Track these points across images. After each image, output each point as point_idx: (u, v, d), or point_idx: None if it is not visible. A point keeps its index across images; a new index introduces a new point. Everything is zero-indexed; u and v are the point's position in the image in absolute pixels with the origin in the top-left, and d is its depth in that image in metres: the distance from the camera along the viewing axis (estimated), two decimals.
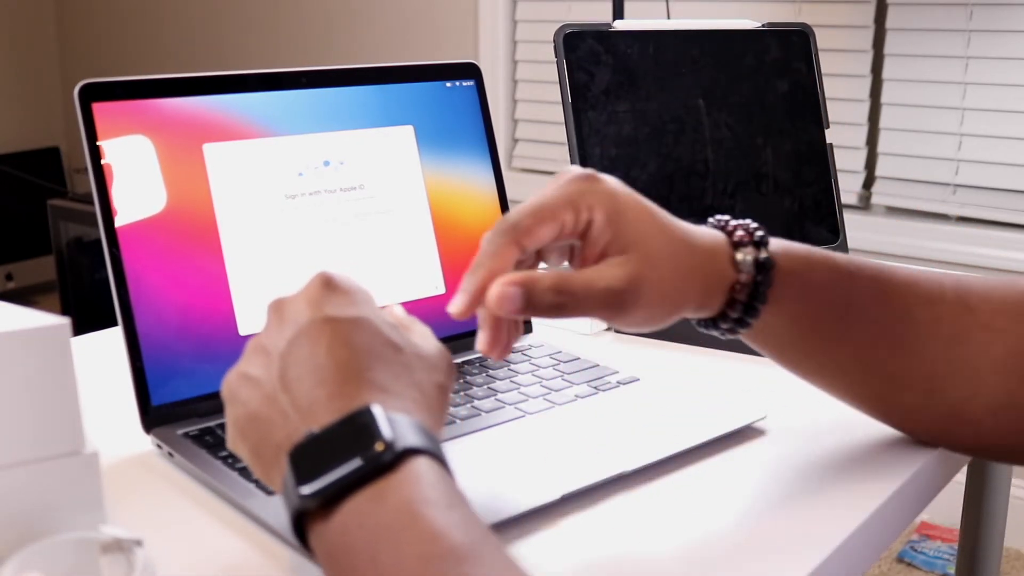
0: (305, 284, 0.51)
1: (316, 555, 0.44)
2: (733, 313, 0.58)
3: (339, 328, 0.48)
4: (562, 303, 0.52)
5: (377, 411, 0.44)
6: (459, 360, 0.75)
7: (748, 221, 0.59)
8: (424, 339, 0.52)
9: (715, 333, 0.60)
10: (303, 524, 0.44)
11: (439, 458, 0.45)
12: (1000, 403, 0.58)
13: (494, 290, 0.52)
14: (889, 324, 0.60)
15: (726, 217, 0.60)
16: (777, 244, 0.59)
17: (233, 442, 0.50)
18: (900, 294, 0.60)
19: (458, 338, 0.77)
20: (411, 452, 0.43)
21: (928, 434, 0.62)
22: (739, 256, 0.57)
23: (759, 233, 0.58)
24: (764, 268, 0.57)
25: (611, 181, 0.56)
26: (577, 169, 0.56)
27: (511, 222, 0.54)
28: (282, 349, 0.48)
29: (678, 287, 0.56)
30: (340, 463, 0.43)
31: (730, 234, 0.59)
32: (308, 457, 0.44)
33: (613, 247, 0.54)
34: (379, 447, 0.43)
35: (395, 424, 0.44)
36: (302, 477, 0.44)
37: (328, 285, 0.50)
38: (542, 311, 0.52)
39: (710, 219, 0.60)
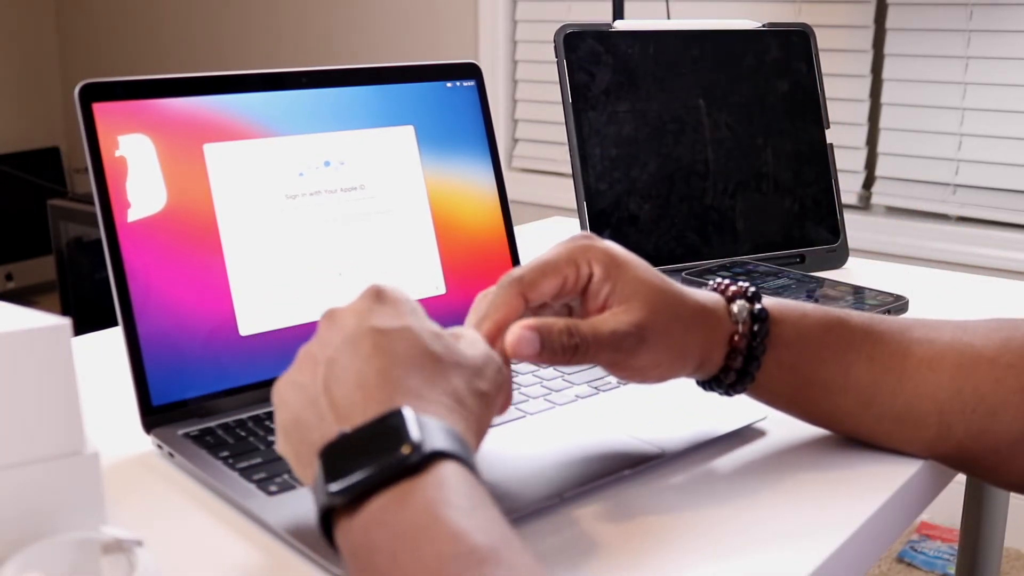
0: (358, 295, 0.53)
1: (341, 552, 0.45)
2: (735, 364, 0.59)
3: (381, 338, 0.49)
4: (575, 345, 0.55)
5: (408, 413, 0.45)
6: None
7: (741, 282, 0.62)
8: (472, 347, 0.53)
9: (719, 392, 0.62)
10: (331, 521, 0.45)
11: (467, 462, 0.45)
12: (1004, 441, 0.58)
13: (512, 334, 0.54)
14: (888, 362, 0.60)
15: (723, 281, 0.63)
16: (770, 299, 0.62)
17: (279, 445, 0.51)
18: (895, 335, 0.61)
19: None
20: (438, 455, 0.44)
21: (950, 465, 0.62)
22: (734, 308, 0.60)
23: (751, 290, 0.61)
24: (759, 318, 0.59)
25: (609, 241, 0.59)
26: (577, 233, 0.60)
27: (516, 276, 0.56)
28: (328, 355, 0.50)
29: (681, 339, 0.58)
30: (368, 462, 0.44)
31: (723, 292, 0.61)
32: (338, 456, 0.45)
33: (614, 299, 0.57)
34: (406, 449, 0.43)
35: (424, 427, 0.45)
36: (331, 475, 0.44)
37: (377, 297, 0.52)
38: (556, 354, 0.55)
39: (707, 285, 0.63)
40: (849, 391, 0.60)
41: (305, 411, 0.49)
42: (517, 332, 0.54)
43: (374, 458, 0.44)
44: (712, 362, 0.60)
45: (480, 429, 0.51)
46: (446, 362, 0.50)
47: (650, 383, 0.60)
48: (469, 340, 0.54)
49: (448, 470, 0.44)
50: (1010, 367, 0.58)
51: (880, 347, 0.60)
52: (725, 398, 0.63)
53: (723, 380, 0.60)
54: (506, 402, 0.55)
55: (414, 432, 0.44)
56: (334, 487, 0.44)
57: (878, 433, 0.62)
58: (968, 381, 0.59)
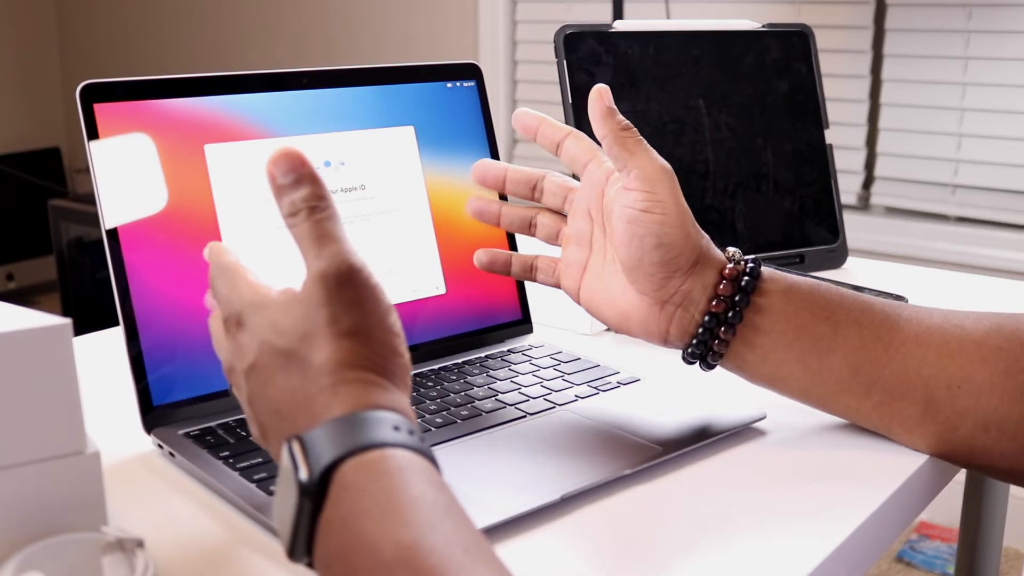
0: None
1: None
2: (726, 291, 0.61)
3: (246, 382, 0.50)
4: (630, 128, 0.62)
5: (295, 448, 0.44)
6: (460, 360, 0.75)
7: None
8: (301, 298, 0.48)
9: (701, 350, 0.62)
10: None
11: (367, 446, 0.43)
12: (992, 421, 0.58)
13: (595, 88, 0.63)
14: (877, 331, 0.61)
15: None
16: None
17: None
18: (885, 308, 0.62)
19: (459, 338, 0.77)
20: (336, 466, 0.43)
21: (927, 447, 0.62)
22: (729, 251, 0.63)
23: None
24: (752, 262, 0.62)
25: None
26: None
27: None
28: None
29: (694, 232, 0.62)
30: (286, 514, 0.44)
31: None
32: (277, 518, 0.46)
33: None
34: (303, 480, 0.43)
35: (311, 446, 0.44)
36: (283, 541, 0.45)
37: (237, 327, 0.51)
38: (614, 126, 0.62)
39: None
40: (837, 351, 0.61)
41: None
42: (601, 87, 0.63)
43: (287, 507, 0.44)
44: (701, 290, 0.61)
45: (378, 353, 0.47)
46: (298, 349, 0.47)
47: (658, 267, 0.61)
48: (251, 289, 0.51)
49: (346, 476, 0.43)
50: (998, 349, 0.59)
51: (869, 315, 0.61)
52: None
53: (712, 309, 0.61)
54: (372, 291, 0.48)
55: (300, 470, 0.43)
56: (286, 549, 0.45)
57: (867, 408, 0.62)
58: (954, 359, 0.59)
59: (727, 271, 0.62)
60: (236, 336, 0.50)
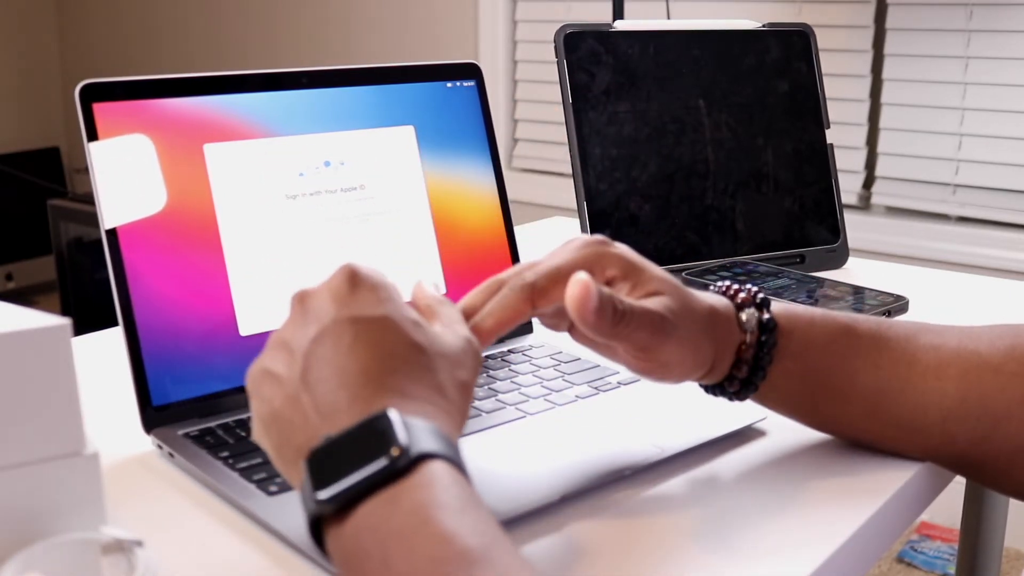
0: (330, 277, 0.50)
1: (332, 558, 0.44)
2: (740, 374, 0.59)
3: (362, 329, 0.48)
4: (622, 312, 0.52)
5: (394, 416, 0.44)
6: None
7: (749, 286, 0.61)
8: (449, 330, 0.52)
9: (724, 398, 0.61)
10: (320, 527, 0.44)
11: (454, 462, 0.45)
12: (1004, 450, 0.58)
13: (575, 283, 0.51)
14: (894, 370, 0.60)
15: (727, 283, 0.62)
16: (778, 306, 0.61)
17: (257, 436, 0.49)
18: (901, 342, 0.61)
19: None
20: (426, 457, 0.43)
21: (951, 469, 0.62)
22: (743, 316, 0.59)
23: (760, 296, 0.60)
24: (767, 328, 0.59)
25: (622, 245, 0.57)
26: (589, 236, 0.57)
27: (529, 281, 0.55)
28: (305, 348, 0.48)
29: (699, 338, 0.57)
30: (356, 468, 0.43)
31: (732, 297, 0.60)
32: (325, 462, 0.44)
33: (637, 293, 0.56)
34: (395, 452, 0.43)
35: (411, 429, 0.44)
36: (319, 482, 0.44)
37: (353, 280, 0.50)
38: (604, 318, 0.52)
39: (711, 287, 0.62)
40: (855, 399, 0.60)
41: (285, 408, 0.47)
42: (582, 283, 0.51)
43: (362, 464, 0.43)
44: (719, 369, 0.59)
45: (461, 420, 0.50)
46: (429, 353, 0.49)
47: (668, 381, 0.58)
48: (447, 316, 0.53)
49: (436, 470, 0.43)
50: (1014, 376, 0.58)
51: (887, 354, 0.60)
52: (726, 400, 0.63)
53: (727, 388, 0.60)
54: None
55: (401, 435, 0.43)
56: (323, 495, 0.43)
57: (883, 440, 0.62)
58: (973, 390, 0.59)
59: (743, 348, 0.59)
60: (327, 292, 0.50)
